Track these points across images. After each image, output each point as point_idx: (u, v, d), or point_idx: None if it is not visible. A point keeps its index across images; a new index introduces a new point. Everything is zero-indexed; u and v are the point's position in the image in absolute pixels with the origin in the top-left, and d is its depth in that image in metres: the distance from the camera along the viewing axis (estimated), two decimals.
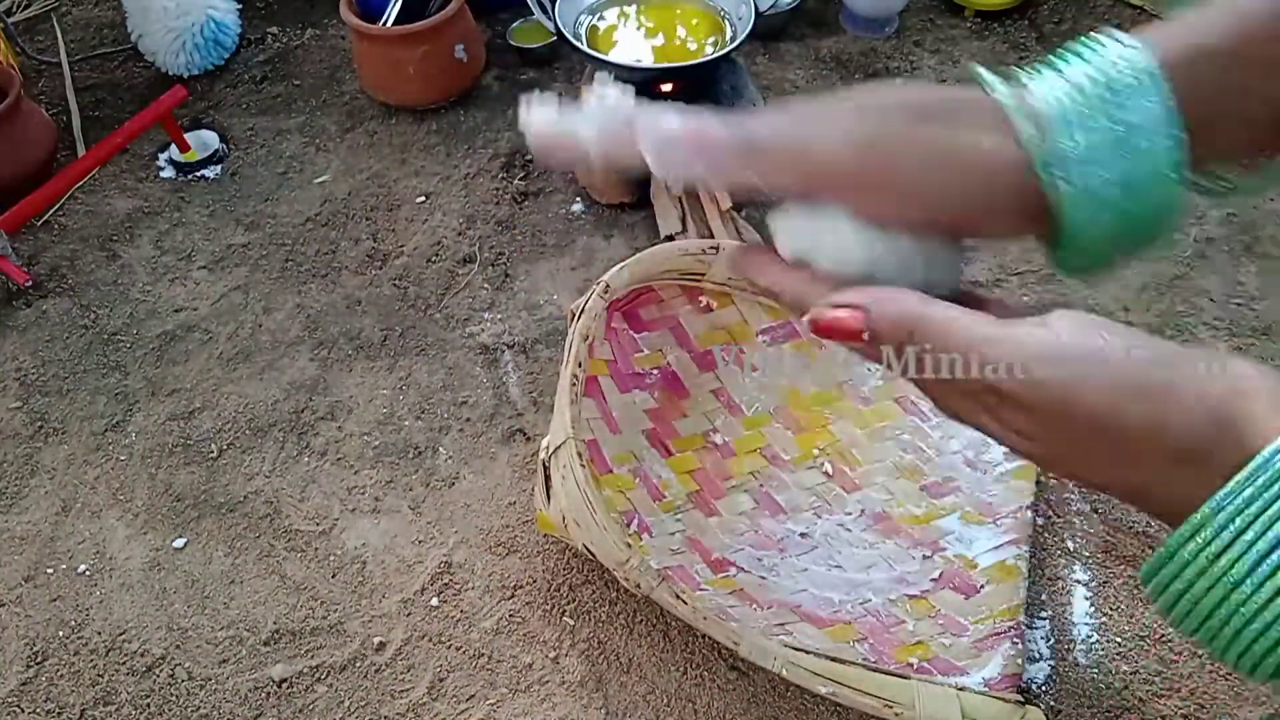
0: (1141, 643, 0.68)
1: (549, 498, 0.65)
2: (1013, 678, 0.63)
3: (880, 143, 0.32)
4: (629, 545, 0.59)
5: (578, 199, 1.01)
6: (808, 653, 0.59)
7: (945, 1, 1.23)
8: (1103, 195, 0.30)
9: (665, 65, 0.94)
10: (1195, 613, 0.25)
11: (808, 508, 0.74)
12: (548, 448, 0.64)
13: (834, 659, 0.59)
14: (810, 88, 1.13)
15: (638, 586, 0.59)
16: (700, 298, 0.79)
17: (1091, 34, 0.34)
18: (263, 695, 0.68)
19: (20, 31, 1.20)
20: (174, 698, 0.68)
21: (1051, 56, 0.33)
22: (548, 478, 0.64)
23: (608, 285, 0.70)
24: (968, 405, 0.30)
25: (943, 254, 0.33)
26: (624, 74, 0.94)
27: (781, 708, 0.66)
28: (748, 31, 0.92)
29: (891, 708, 0.57)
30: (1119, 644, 0.68)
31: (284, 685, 0.68)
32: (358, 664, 0.69)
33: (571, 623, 0.70)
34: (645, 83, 0.95)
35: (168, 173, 1.08)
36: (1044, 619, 0.70)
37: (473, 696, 0.67)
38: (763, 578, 0.69)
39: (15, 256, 0.96)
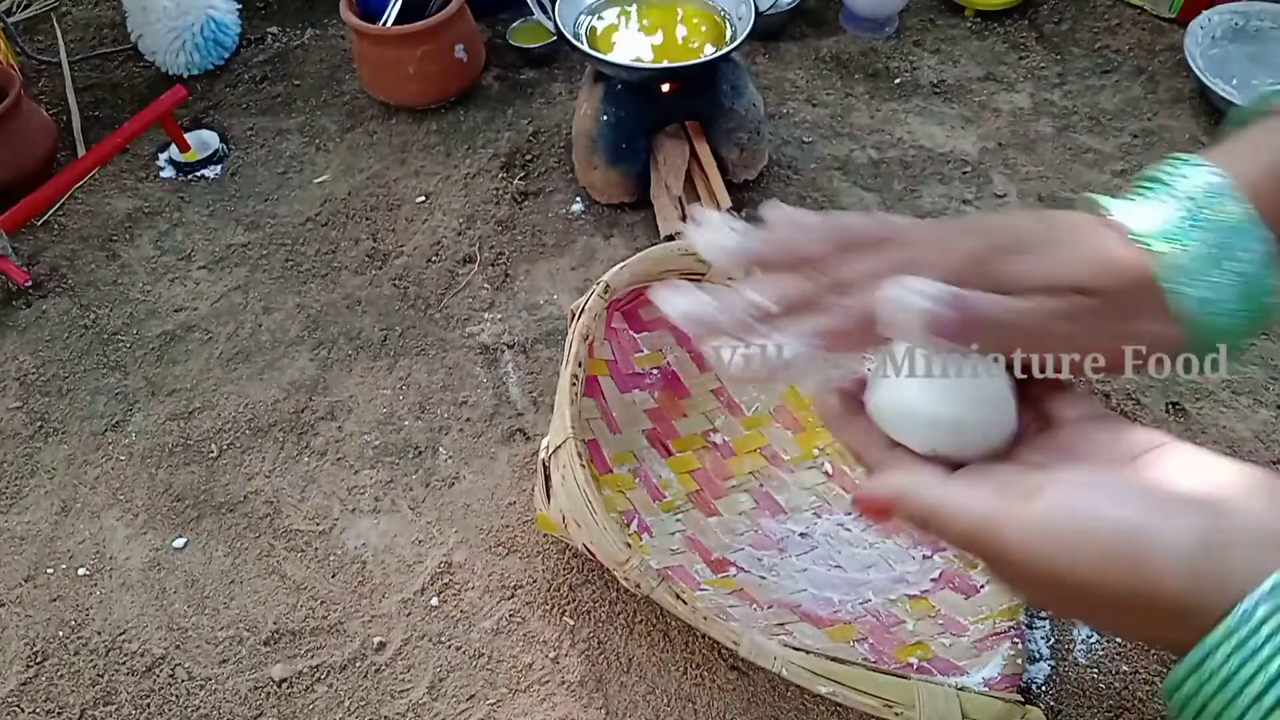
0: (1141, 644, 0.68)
1: (549, 498, 0.65)
2: (1013, 677, 0.63)
3: None
4: (629, 545, 0.59)
5: (577, 199, 1.01)
6: (808, 652, 0.59)
7: (945, 1, 1.23)
8: (1220, 319, 0.36)
9: (665, 65, 0.94)
10: None
11: (808, 508, 0.74)
12: (548, 447, 0.64)
13: (834, 659, 0.59)
14: (810, 88, 1.13)
15: (638, 586, 0.59)
16: None
17: (1176, 161, 0.38)
18: (263, 695, 0.68)
19: (20, 31, 1.20)
20: (174, 698, 0.68)
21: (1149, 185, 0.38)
22: (548, 478, 0.64)
23: (608, 285, 0.70)
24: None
25: (1004, 421, 0.38)
26: (624, 74, 0.94)
27: (781, 708, 0.66)
28: (748, 31, 0.92)
29: (892, 707, 0.57)
30: (1119, 644, 0.68)
31: (284, 685, 0.68)
32: (358, 664, 0.69)
33: (571, 623, 0.70)
34: (645, 82, 0.95)
35: (168, 172, 1.08)
36: (1044, 619, 0.69)
37: (473, 696, 0.67)
38: (762, 578, 0.69)
39: (15, 256, 0.96)
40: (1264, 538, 0.28)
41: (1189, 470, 0.33)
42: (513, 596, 0.72)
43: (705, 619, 0.58)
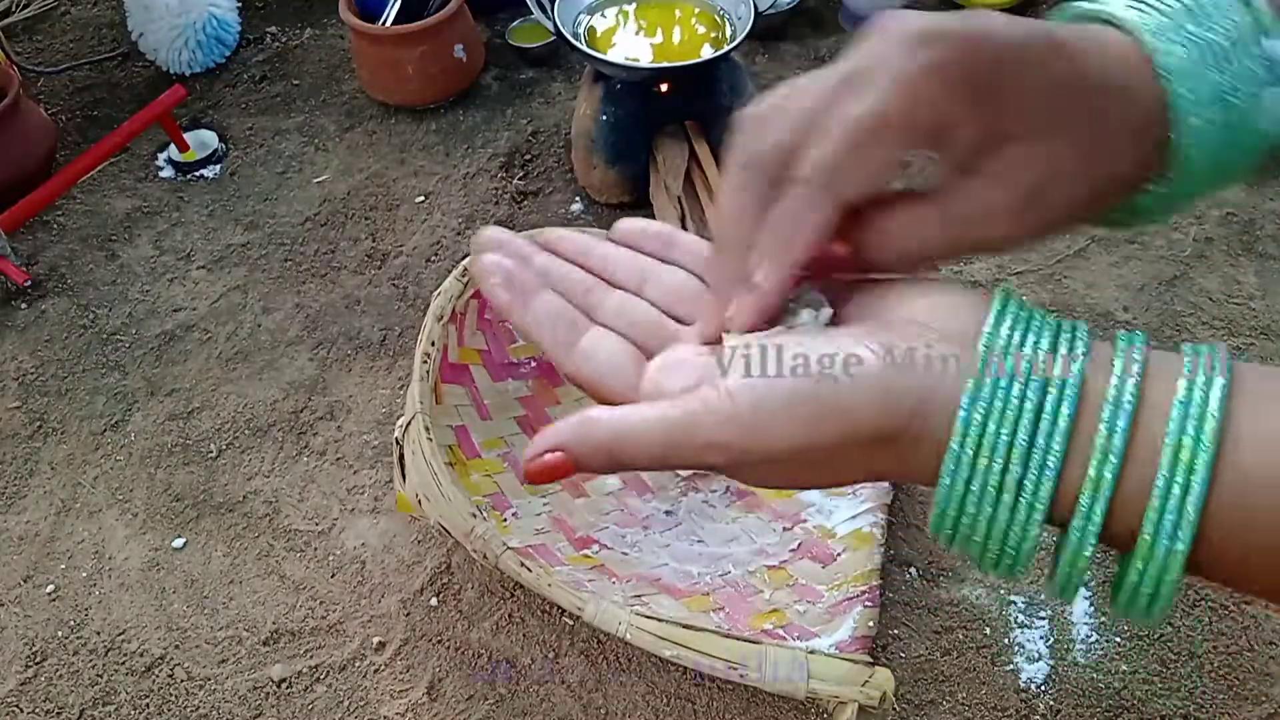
0: (1140, 643, 0.68)
1: (404, 477, 0.64)
2: (864, 640, 0.63)
3: None
4: (474, 515, 0.59)
5: (577, 199, 1.01)
6: (657, 620, 0.59)
7: (945, 2, 1.23)
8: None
9: (664, 65, 0.94)
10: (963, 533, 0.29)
11: (674, 485, 0.75)
12: (401, 426, 0.64)
13: (685, 626, 0.59)
14: None
15: (484, 556, 0.59)
16: None
17: None
18: (262, 695, 0.68)
19: (19, 31, 1.20)
20: (173, 697, 0.68)
21: None
22: (402, 456, 0.64)
23: (465, 269, 0.70)
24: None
25: None
26: (623, 73, 0.94)
27: (781, 708, 0.66)
28: (747, 31, 0.92)
29: (737, 669, 0.57)
30: (1118, 644, 0.68)
31: (283, 685, 0.68)
32: (357, 664, 0.69)
33: (571, 623, 0.70)
34: (644, 82, 0.95)
35: (167, 172, 1.08)
36: (1043, 619, 0.70)
37: (472, 696, 0.67)
38: (625, 554, 0.70)
39: (15, 256, 0.96)
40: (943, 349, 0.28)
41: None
42: (512, 596, 0.72)
43: (549, 585, 0.58)
